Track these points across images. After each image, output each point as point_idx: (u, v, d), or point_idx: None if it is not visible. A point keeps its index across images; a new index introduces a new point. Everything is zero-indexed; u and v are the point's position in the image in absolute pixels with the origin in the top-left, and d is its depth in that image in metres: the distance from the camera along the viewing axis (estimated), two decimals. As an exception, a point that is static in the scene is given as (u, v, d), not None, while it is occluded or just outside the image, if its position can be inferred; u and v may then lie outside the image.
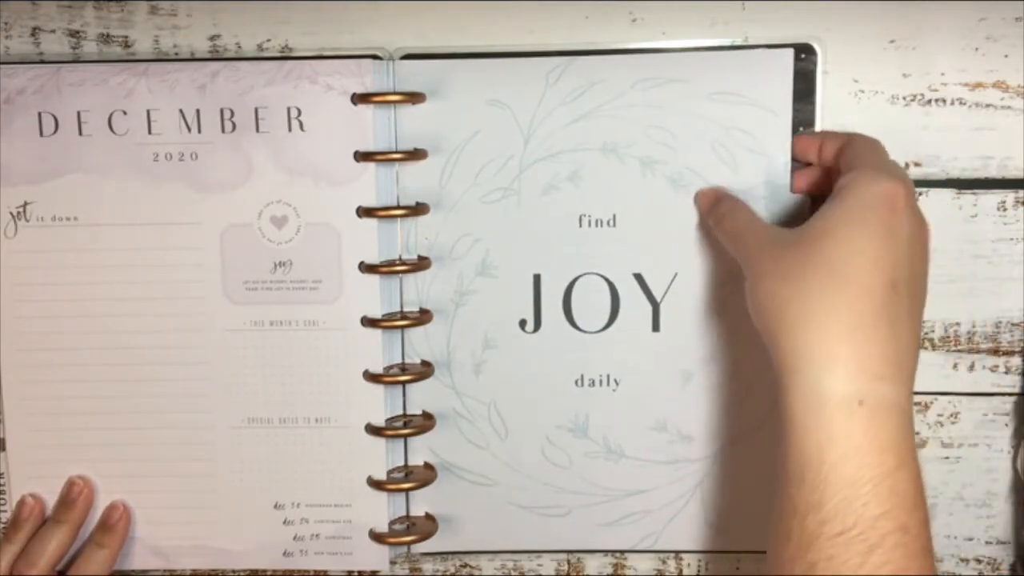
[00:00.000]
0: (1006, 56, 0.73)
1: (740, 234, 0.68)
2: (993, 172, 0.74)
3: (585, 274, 0.76)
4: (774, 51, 0.72)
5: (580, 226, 0.76)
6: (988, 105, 0.73)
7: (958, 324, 0.75)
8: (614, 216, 0.75)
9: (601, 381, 0.77)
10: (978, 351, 0.76)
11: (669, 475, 0.78)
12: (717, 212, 0.72)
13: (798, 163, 0.73)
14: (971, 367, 0.76)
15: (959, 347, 0.76)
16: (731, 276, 0.74)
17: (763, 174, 0.73)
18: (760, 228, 0.67)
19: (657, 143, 0.74)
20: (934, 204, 0.74)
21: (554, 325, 0.77)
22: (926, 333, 0.75)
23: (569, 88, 0.74)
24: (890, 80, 0.73)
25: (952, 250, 0.75)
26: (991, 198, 0.74)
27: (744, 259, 0.66)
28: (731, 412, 0.77)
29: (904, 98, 0.73)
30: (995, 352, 0.76)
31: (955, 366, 0.76)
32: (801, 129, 0.73)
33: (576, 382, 0.77)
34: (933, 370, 0.76)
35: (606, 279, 0.76)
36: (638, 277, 0.76)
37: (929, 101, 0.73)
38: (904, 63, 0.73)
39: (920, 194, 0.74)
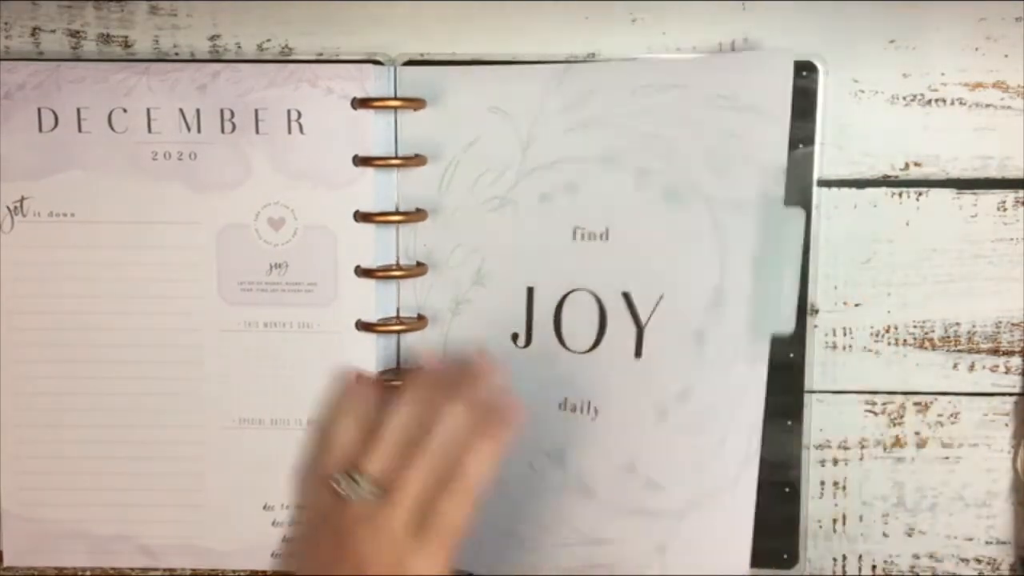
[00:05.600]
0: (1006, 56, 0.73)
1: None
2: (993, 172, 0.74)
3: (576, 290, 0.74)
4: (774, 55, 0.71)
5: (574, 239, 0.74)
6: (988, 105, 0.73)
7: (958, 324, 0.75)
8: (607, 230, 0.73)
9: (582, 408, 0.74)
10: (978, 351, 0.75)
11: (635, 528, 0.74)
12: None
13: None
14: (971, 367, 0.75)
15: (959, 347, 0.75)
16: (718, 300, 0.71)
17: (756, 185, 0.70)
18: None
19: (653, 153, 0.72)
20: (934, 204, 0.74)
21: (544, 342, 0.75)
22: (926, 333, 0.75)
23: (569, 95, 0.73)
24: (890, 80, 0.73)
25: (952, 250, 0.74)
26: (991, 198, 0.74)
27: None
28: (702, 461, 0.73)
29: (904, 98, 0.73)
30: (995, 352, 0.75)
31: (955, 366, 0.75)
32: (801, 146, 0.73)
33: (560, 405, 0.75)
34: (933, 370, 0.76)
35: (596, 296, 0.74)
36: (626, 296, 0.73)
37: (929, 101, 0.73)
38: (904, 63, 0.73)
39: (920, 194, 0.74)
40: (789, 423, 0.75)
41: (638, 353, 0.72)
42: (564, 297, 0.74)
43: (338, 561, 0.65)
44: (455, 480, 0.63)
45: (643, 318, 0.72)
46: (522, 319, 0.76)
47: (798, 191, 0.73)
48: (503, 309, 0.76)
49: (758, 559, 0.76)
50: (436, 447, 0.65)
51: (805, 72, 0.73)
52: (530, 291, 0.75)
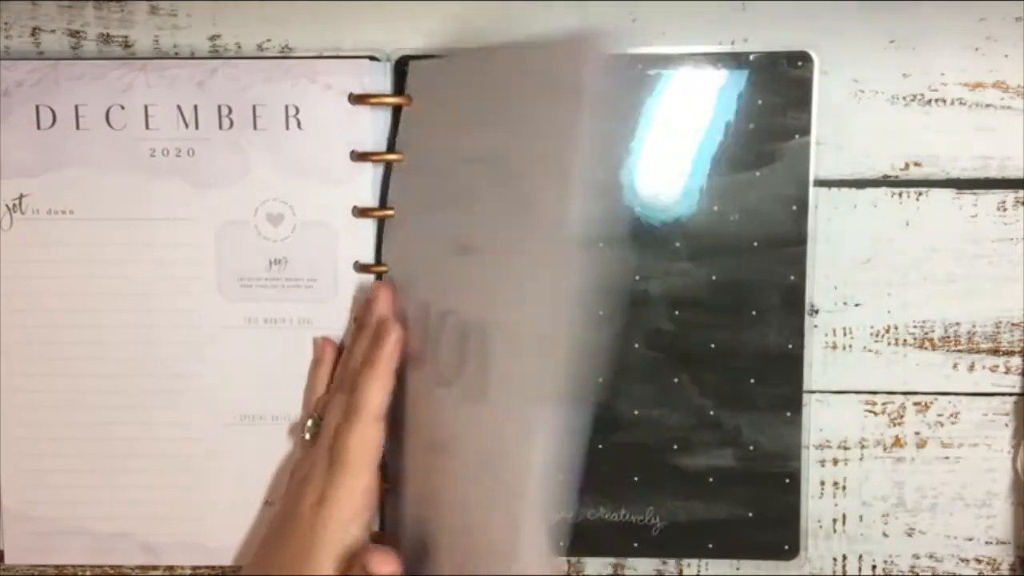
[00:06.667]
0: (1006, 56, 0.73)
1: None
2: (993, 172, 0.74)
3: None
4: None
5: None
6: (988, 105, 0.73)
7: (958, 324, 0.75)
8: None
9: None
10: (978, 351, 0.75)
11: None
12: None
13: None
14: (971, 367, 0.76)
15: (959, 347, 0.75)
16: None
17: None
18: None
19: None
20: (934, 204, 0.74)
21: None
22: (926, 333, 0.75)
23: None
24: (890, 80, 0.73)
25: (952, 250, 0.75)
26: (991, 198, 0.74)
27: None
28: None
29: (904, 98, 0.74)
30: (995, 352, 0.75)
31: (955, 366, 0.75)
32: (797, 136, 0.73)
33: None
34: (933, 370, 0.76)
35: None
36: None
37: (929, 101, 0.73)
38: (904, 63, 0.73)
39: (920, 194, 0.74)
40: (788, 414, 0.75)
41: None
42: None
43: (286, 498, 0.71)
44: (353, 411, 0.68)
45: None
46: None
47: (794, 183, 0.73)
48: None
49: (759, 551, 0.76)
50: (348, 380, 0.70)
51: (800, 62, 0.73)
52: None
